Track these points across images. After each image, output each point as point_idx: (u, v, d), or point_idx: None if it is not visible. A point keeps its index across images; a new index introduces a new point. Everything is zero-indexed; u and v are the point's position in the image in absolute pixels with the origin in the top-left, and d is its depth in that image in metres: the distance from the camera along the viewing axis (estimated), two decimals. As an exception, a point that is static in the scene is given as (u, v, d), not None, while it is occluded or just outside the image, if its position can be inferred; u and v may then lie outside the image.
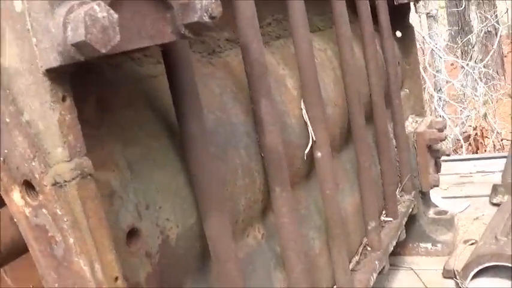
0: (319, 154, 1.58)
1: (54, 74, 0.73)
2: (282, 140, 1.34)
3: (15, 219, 0.86)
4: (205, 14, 0.85)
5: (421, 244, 2.44)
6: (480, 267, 2.08)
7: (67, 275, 0.81)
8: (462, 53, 8.12)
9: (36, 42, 0.72)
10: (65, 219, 0.77)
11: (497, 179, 2.98)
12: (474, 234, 2.45)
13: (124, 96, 1.04)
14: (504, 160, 3.17)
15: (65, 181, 0.76)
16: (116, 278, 0.81)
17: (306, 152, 1.56)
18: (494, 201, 2.74)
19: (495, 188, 2.77)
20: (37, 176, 0.77)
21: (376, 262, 1.88)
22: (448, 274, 2.22)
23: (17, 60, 0.76)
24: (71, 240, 0.78)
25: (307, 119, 1.56)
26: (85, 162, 0.77)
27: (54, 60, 0.71)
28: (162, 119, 1.09)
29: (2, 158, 0.81)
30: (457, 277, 2.14)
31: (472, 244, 2.35)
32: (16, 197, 0.82)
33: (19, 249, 1.16)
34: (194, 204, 1.08)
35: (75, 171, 0.76)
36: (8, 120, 0.78)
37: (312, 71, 1.54)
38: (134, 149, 0.99)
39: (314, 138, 1.56)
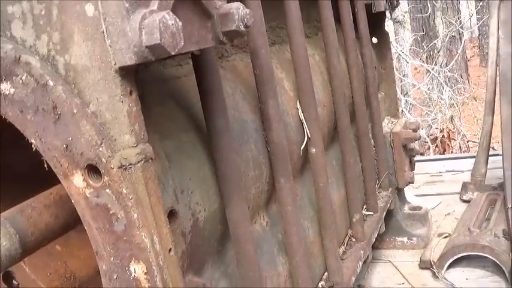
0: (313, 150, 1.78)
1: (125, 71, 0.90)
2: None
3: (72, 201, 1.01)
4: (241, 24, 1.03)
5: (397, 238, 2.67)
6: (455, 257, 2.33)
7: (126, 248, 0.97)
8: (427, 57, 8.59)
9: (110, 43, 0.89)
10: (130, 197, 0.93)
11: (466, 177, 3.27)
12: (447, 229, 2.71)
13: (155, 94, 1.21)
14: (471, 160, 3.48)
15: (131, 164, 0.93)
16: (170, 250, 0.98)
17: (302, 148, 1.76)
18: (464, 198, 3.02)
19: (465, 186, 3.05)
20: (104, 160, 0.93)
21: (361, 252, 2.09)
22: (424, 265, 2.46)
23: (85, 58, 0.92)
24: (135, 216, 0.94)
25: (303, 118, 1.76)
26: (147, 148, 0.94)
27: (129, 59, 0.87)
28: (189, 115, 1.26)
29: (64, 146, 0.97)
30: (434, 267, 2.38)
31: (445, 237, 2.60)
32: (77, 180, 0.98)
33: (52, 234, 1.30)
34: (217, 192, 1.26)
35: (140, 156, 0.93)
36: (75, 111, 0.94)
37: (307, 75, 1.74)
38: (169, 141, 1.16)
39: (309, 136, 1.76)
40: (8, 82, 1.00)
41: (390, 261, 2.58)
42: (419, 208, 2.75)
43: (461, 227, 2.49)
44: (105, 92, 0.92)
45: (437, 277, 2.37)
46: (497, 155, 3.12)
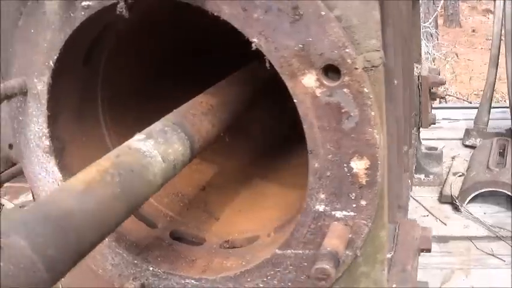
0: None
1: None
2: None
3: (295, 100, 1.10)
4: None
5: (415, 175, 2.94)
6: (477, 193, 2.64)
7: (350, 145, 1.09)
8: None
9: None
10: (370, 96, 1.05)
11: (462, 125, 3.60)
12: (459, 168, 3.01)
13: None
14: (465, 110, 3.82)
15: (373, 66, 1.04)
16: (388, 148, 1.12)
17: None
18: (467, 143, 3.34)
19: (468, 132, 3.37)
20: (349, 60, 1.03)
21: (408, 181, 2.32)
22: (445, 199, 2.75)
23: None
24: (372, 113, 1.06)
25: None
26: (383, 53, 1.05)
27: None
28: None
29: (300, 45, 1.06)
30: (456, 201, 2.68)
31: (460, 176, 2.90)
32: (308, 80, 1.07)
33: (209, 143, 1.37)
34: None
35: (382, 59, 1.04)
36: (322, 13, 1.03)
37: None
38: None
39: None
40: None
41: (411, 196, 2.85)
42: (435, 148, 3.03)
43: (478, 166, 2.79)
44: (356, -1, 1.02)
45: (458, 210, 2.67)
46: (497, 107, 3.46)
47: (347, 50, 1.03)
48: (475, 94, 5.71)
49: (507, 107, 3.32)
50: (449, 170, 3.00)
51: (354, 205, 1.15)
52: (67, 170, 1.46)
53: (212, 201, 1.73)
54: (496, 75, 3.32)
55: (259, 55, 1.12)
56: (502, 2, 3.29)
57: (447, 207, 2.74)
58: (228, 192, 1.78)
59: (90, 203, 0.94)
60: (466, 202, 2.66)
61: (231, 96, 1.50)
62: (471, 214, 2.63)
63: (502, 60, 3.31)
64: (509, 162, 2.73)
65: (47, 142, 1.42)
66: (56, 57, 1.31)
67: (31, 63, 1.36)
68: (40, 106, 1.39)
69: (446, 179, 2.91)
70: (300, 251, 1.24)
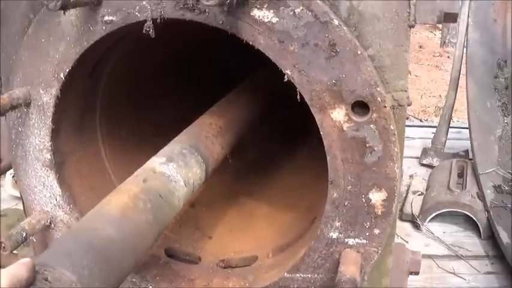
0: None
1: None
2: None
3: (322, 132, 1.15)
4: None
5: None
6: (437, 212, 2.79)
7: (370, 178, 1.15)
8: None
9: (414, 2, 1.04)
10: (395, 133, 1.11)
11: (417, 144, 3.78)
12: (418, 187, 3.16)
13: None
14: (421, 129, 4.02)
15: (400, 105, 1.11)
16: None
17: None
18: (424, 162, 3.51)
19: (425, 151, 3.54)
20: (379, 98, 1.09)
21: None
22: (406, 217, 2.88)
23: (377, 8, 1.07)
24: (395, 150, 1.12)
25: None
26: (409, 94, 1.12)
27: (431, 20, 1.05)
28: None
29: (333, 81, 1.10)
30: (417, 219, 2.82)
31: (420, 195, 3.05)
32: (337, 114, 1.13)
33: (217, 165, 1.39)
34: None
35: (407, 100, 1.11)
36: (358, 52, 1.08)
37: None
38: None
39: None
40: (271, 11, 1.09)
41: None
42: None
43: (438, 187, 2.95)
44: (391, 41, 1.08)
45: (419, 228, 2.81)
46: (454, 127, 3.66)
47: (378, 89, 1.09)
48: (422, 111, 5.98)
49: (463, 128, 3.52)
50: (408, 188, 3.15)
51: (367, 233, 1.22)
52: (66, 184, 1.44)
53: (202, 218, 1.75)
54: (455, 97, 3.51)
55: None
56: (464, 27, 3.49)
57: (407, 225, 2.88)
58: (216, 209, 1.81)
59: (127, 230, 0.95)
60: (427, 221, 2.80)
61: (238, 115, 1.53)
62: (432, 233, 2.78)
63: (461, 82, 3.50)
64: (468, 183, 2.91)
65: (48, 155, 1.39)
66: (68, 70, 1.30)
67: (38, 74, 1.33)
68: (44, 118, 1.36)
69: (405, 197, 3.06)
70: (309, 275, 1.29)
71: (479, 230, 2.76)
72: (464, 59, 3.34)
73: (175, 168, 1.15)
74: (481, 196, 2.81)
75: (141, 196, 1.02)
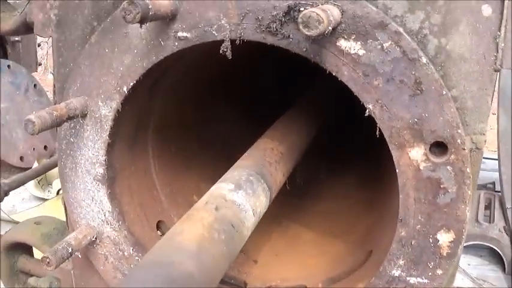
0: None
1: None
2: None
3: (397, 170, 1.14)
4: None
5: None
6: (465, 245, 2.78)
7: (440, 218, 1.15)
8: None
9: (503, 46, 1.05)
10: (470, 176, 1.11)
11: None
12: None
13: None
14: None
15: (477, 148, 1.11)
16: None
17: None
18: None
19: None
20: (459, 140, 1.09)
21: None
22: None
23: (465, 49, 1.07)
24: (469, 193, 1.12)
25: None
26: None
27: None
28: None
29: (415, 119, 1.10)
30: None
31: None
32: (415, 153, 1.12)
33: (277, 192, 1.38)
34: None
35: (484, 143, 1.11)
36: (443, 92, 1.08)
37: None
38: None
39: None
40: (358, 42, 1.09)
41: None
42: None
43: (465, 218, 2.94)
44: (475, 84, 1.08)
45: (444, 260, 2.81)
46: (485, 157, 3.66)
47: (459, 131, 1.09)
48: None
49: (489, 158, 3.53)
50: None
51: (430, 273, 1.21)
52: (116, 200, 1.43)
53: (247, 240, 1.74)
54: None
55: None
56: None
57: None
58: (260, 232, 1.79)
59: (205, 264, 0.94)
60: (453, 253, 2.79)
61: (296, 141, 1.53)
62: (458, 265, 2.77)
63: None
64: (496, 216, 2.91)
65: (101, 170, 1.38)
66: (132, 84, 1.29)
67: (98, 85, 1.32)
68: (101, 131, 1.35)
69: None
70: (366, 312, 1.28)
71: (503, 264, 2.77)
72: (496, 89, 3.36)
73: (244, 196, 1.14)
74: (508, 230, 2.81)
75: (215, 226, 1.01)
